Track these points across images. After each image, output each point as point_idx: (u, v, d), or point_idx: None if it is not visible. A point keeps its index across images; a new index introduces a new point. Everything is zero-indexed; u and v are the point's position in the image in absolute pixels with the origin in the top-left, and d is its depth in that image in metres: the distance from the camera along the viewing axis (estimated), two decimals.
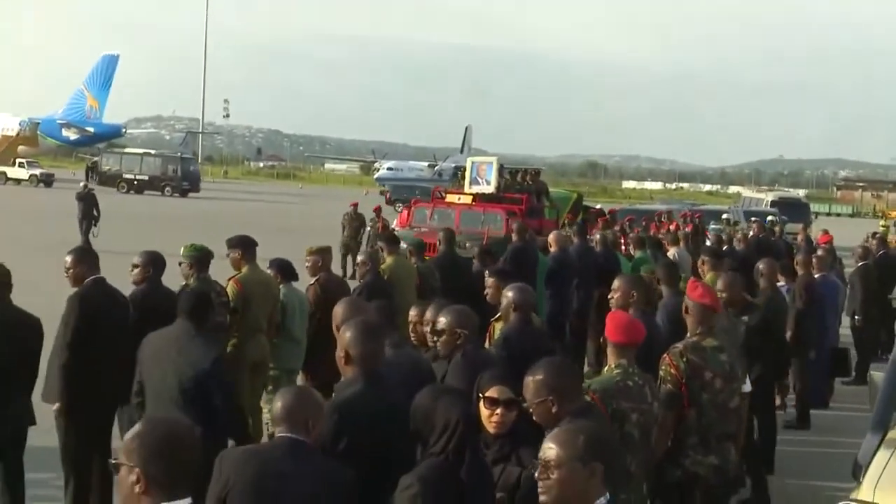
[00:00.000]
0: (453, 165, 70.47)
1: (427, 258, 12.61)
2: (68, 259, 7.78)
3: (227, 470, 4.10)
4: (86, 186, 31.16)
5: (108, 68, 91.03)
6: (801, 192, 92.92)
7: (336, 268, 10.03)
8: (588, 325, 13.92)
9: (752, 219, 25.50)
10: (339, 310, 5.69)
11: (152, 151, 79.77)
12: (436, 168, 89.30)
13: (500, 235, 19.62)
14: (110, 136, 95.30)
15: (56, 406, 7.55)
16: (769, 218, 28.53)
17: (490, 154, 32.50)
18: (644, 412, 5.53)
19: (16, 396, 7.24)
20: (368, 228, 27.65)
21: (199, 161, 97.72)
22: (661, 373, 6.17)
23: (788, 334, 11.54)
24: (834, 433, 12.11)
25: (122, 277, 8.42)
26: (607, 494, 3.52)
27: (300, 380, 9.63)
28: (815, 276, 13.01)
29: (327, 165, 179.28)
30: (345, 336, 5.06)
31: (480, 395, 4.80)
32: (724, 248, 16.75)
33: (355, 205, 28.32)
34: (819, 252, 14.54)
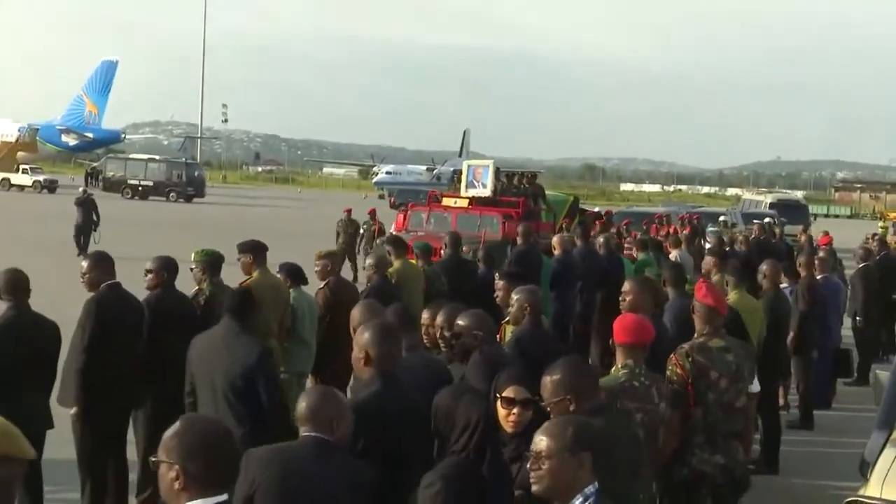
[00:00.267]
0: (452, 169, 70.61)
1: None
2: (84, 264, 7.89)
3: (253, 469, 4.20)
4: (85, 192, 31.16)
5: (106, 74, 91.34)
6: (800, 194, 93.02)
7: None
8: (592, 327, 14.03)
9: (755, 221, 25.59)
10: (356, 312, 5.80)
11: (157, 157, 79.91)
12: (434, 172, 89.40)
13: (496, 239, 19.71)
14: (109, 142, 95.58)
15: (73, 410, 7.65)
16: (766, 220, 28.60)
17: (489, 157, 32.50)
18: (649, 412, 5.63)
19: (31, 399, 7.33)
20: (363, 232, 27.73)
21: None
22: (668, 373, 6.29)
23: (791, 335, 11.65)
24: (837, 433, 12.23)
25: (129, 283, 8.49)
26: (595, 483, 3.71)
27: (310, 383, 9.72)
28: (818, 277, 13.12)
29: (326, 170, 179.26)
30: (363, 337, 5.17)
31: (497, 394, 4.91)
32: (727, 250, 16.83)
33: (349, 211, 28.42)
34: (821, 253, 14.66)
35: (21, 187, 69.13)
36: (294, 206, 67.28)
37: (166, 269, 8.51)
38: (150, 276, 8.47)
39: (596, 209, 35.60)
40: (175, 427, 3.31)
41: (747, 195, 59.24)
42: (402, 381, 5.19)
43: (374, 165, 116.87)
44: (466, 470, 4.33)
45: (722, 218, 34.74)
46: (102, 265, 7.89)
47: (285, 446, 4.31)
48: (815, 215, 58.40)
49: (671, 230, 24.24)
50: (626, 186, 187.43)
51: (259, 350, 6.31)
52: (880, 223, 51.54)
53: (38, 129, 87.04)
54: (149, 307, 8.20)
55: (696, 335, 6.47)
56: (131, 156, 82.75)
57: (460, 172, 24.94)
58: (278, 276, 9.71)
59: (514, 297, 7.24)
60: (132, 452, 8.23)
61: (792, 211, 42.80)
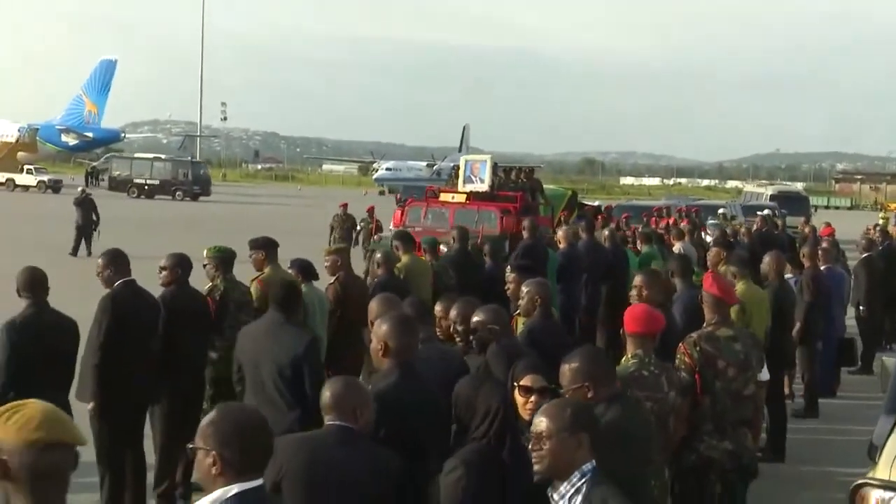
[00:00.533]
0: (452, 165, 70.63)
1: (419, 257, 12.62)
2: (100, 261, 8.00)
3: (281, 456, 4.31)
4: (83, 191, 31.22)
5: (105, 73, 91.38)
6: (800, 186, 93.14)
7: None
8: (597, 320, 14.14)
9: (758, 213, 25.69)
10: (373, 305, 5.91)
11: (162, 156, 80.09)
12: (434, 167, 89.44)
13: (494, 234, 19.75)
14: (109, 141, 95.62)
15: (90, 405, 7.77)
16: (765, 212, 28.70)
17: (488, 153, 32.47)
18: (658, 401, 5.76)
19: (50, 395, 7.42)
20: (360, 228, 27.76)
21: None
22: (677, 361, 6.41)
23: (797, 325, 11.76)
24: (842, 421, 12.35)
25: (139, 281, 8.57)
26: (593, 461, 3.92)
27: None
28: (822, 267, 13.23)
29: (325, 167, 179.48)
30: (381, 329, 5.28)
31: (515, 383, 5.02)
32: (731, 242, 16.95)
33: (344, 206, 28.44)
34: (824, 244, 14.78)
35: (25, 187, 69.27)
36: (296, 204, 67.42)
37: (180, 265, 8.63)
38: (164, 272, 8.59)
39: (596, 203, 35.72)
40: (211, 415, 3.42)
41: (749, 187, 59.39)
42: (421, 372, 5.31)
43: (374, 162, 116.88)
44: (487, 456, 4.45)
45: (721, 210, 34.85)
46: (117, 262, 7.99)
47: (311, 434, 4.43)
48: (816, 207, 58.57)
49: (670, 222, 24.34)
50: (626, 180, 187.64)
51: (307, 340, 6.45)
52: (881, 214, 51.65)
53: (37, 129, 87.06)
54: (164, 303, 8.31)
55: (704, 325, 6.58)
56: (137, 155, 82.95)
57: (458, 168, 24.76)
58: (290, 271, 9.81)
59: (525, 289, 7.36)
60: (149, 447, 8.36)
61: (793, 203, 42.93)
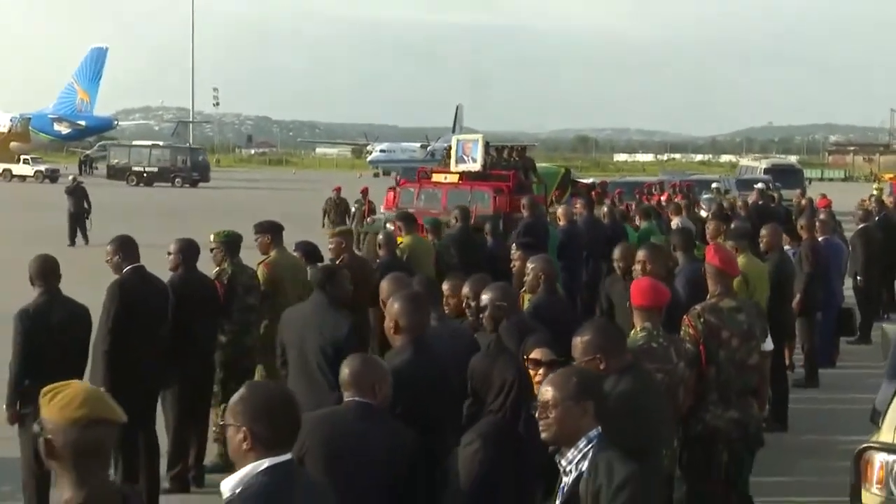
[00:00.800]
0: (445, 145, 70.58)
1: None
2: (109, 248, 8.08)
3: (303, 432, 4.40)
4: (75, 180, 31.25)
5: (97, 61, 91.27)
6: (793, 158, 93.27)
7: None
8: (598, 296, 14.24)
9: (755, 186, 25.80)
10: (384, 285, 6.03)
11: (160, 143, 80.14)
12: (428, 148, 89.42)
13: (488, 213, 19.79)
14: (101, 129, 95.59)
15: (101, 390, 7.86)
16: (758, 185, 28.79)
17: (482, 133, 32.36)
18: (669, 372, 5.90)
19: (65, 379, 7.53)
20: (354, 211, 27.83)
21: None
22: (681, 333, 6.54)
23: (797, 296, 11.89)
24: (842, 390, 12.51)
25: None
26: (598, 428, 4.06)
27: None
28: (819, 239, 13.35)
29: (319, 150, 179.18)
30: (393, 307, 5.39)
31: (525, 357, 5.15)
32: (728, 215, 17.07)
33: (338, 189, 28.49)
34: (821, 216, 14.90)
35: (23, 177, 69.22)
36: (292, 188, 67.42)
37: (187, 250, 8.72)
38: (171, 257, 8.68)
39: (590, 180, 35.80)
40: (240, 393, 3.53)
41: (745, 161, 59.49)
42: (434, 348, 5.43)
43: (368, 144, 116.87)
44: (503, 428, 4.58)
45: (715, 185, 34.95)
46: (125, 249, 8.07)
47: (332, 410, 4.54)
48: (810, 179, 58.67)
49: (663, 198, 24.47)
50: (620, 157, 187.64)
51: (349, 323, 6.51)
52: (875, 185, 51.76)
53: (30, 119, 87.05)
54: (172, 289, 8.40)
55: (708, 296, 6.71)
56: (135, 142, 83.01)
57: (450, 148, 24.68)
58: (295, 254, 9.91)
59: (530, 265, 7.48)
60: (161, 431, 8.48)
61: (787, 176, 43.00)
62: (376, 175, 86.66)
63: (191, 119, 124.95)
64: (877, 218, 17.34)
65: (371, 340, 9.70)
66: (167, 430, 8.68)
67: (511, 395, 4.59)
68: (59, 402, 3.04)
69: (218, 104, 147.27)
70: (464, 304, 6.47)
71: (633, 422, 4.79)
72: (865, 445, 6.15)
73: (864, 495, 6.14)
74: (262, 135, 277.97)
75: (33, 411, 7.29)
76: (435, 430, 5.07)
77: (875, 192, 37.57)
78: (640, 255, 8.07)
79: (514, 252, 8.38)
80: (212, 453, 9.04)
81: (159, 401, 8.52)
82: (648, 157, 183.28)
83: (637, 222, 15.74)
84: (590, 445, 4.04)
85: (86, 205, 29.20)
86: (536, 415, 4.09)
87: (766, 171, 45.25)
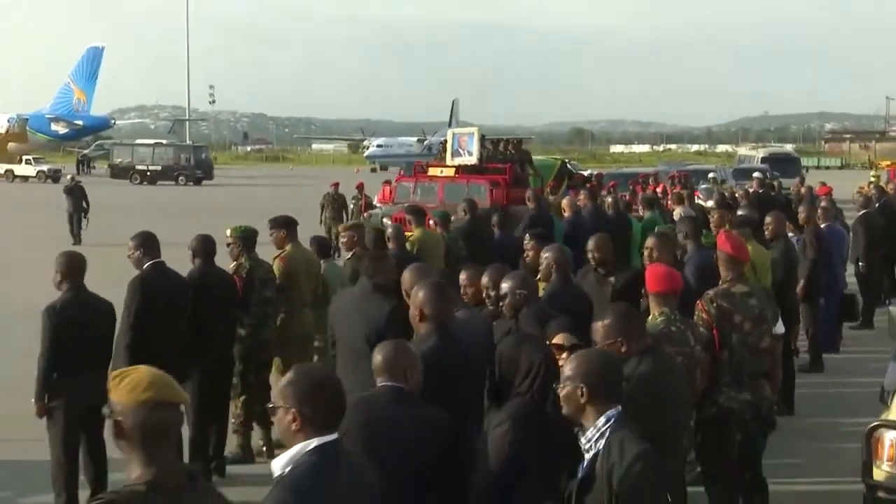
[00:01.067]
0: (442, 139, 70.53)
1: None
2: (131, 243, 8.26)
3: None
4: (73, 179, 31.36)
5: (93, 61, 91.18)
6: (790, 147, 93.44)
7: None
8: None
9: (754, 175, 26.00)
10: (407, 275, 6.19)
11: (163, 141, 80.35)
12: (425, 143, 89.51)
13: (485, 207, 19.86)
14: (99, 129, 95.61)
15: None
16: (755, 174, 28.95)
17: (478, 126, 32.33)
18: (687, 355, 6.10)
19: (91, 375, 7.71)
20: (351, 206, 27.94)
21: None
22: (695, 318, 6.73)
23: (801, 283, 12.07)
24: (846, 374, 12.70)
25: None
26: (618, 407, 4.26)
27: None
28: (822, 225, 13.53)
29: (315, 146, 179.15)
30: (417, 296, 5.56)
31: (548, 342, 5.33)
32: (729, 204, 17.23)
33: (336, 185, 28.62)
34: (823, 203, 15.08)
35: (25, 178, 69.30)
36: (292, 184, 67.49)
37: (203, 245, 8.88)
38: (190, 252, 8.86)
39: (587, 172, 35.95)
40: (289, 376, 3.71)
41: (743, 150, 59.70)
42: (457, 334, 5.60)
43: (364, 139, 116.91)
44: (531, 410, 4.76)
45: (712, 175, 35.11)
46: (146, 245, 8.26)
47: (367, 395, 4.71)
48: (807, 167, 58.80)
49: (658, 189, 24.62)
50: (616, 148, 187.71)
51: (388, 309, 6.64)
52: (872, 172, 51.96)
53: (27, 119, 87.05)
54: (192, 283, 8.58)
55: (720, 282, 6.89)
56: (138, 141, 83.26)
57: (446, 142, 24.70)
58: (309, 249, 10.09)
59: (544, 255, 7.66)
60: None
61: (784, 164, 43.20)
62: (373, 170, 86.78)
63: (187, 117, 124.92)
64: (877, 204, 17.52)
65: None
66: (187, 423, 8.83)
67: (538, 378, 4.77)
68: (126, 386, 3.20)
69: (214, 101, 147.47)
70: (483, 294, 6.64)
71: (654, 402, 4.97)
72: (876, 423, 6.35)
73: (875, 471, 6.34)
74: (257, 132, 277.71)
75: (60, 404, 7.51)
76: (459, 415, 5.25)
77: (873, 180, 37.79)
78: (649, 242, 8.25)
79: (528, 242, 8.55)
80: (231, 444, 9.22)
81: None
82: (644, 148, 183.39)
83: (640, 212, 15.91)
84: (608, 424, 4.22)
85: (84, 204, 29.28)
86: (559, 391, 4.30)
87: (764, 160, 45.44)
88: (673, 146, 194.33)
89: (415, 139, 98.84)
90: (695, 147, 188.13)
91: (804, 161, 60.65)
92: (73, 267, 7.57)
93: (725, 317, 6.69)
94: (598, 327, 5.11)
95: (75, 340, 7.49)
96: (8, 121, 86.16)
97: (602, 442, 4.20)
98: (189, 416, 8.91)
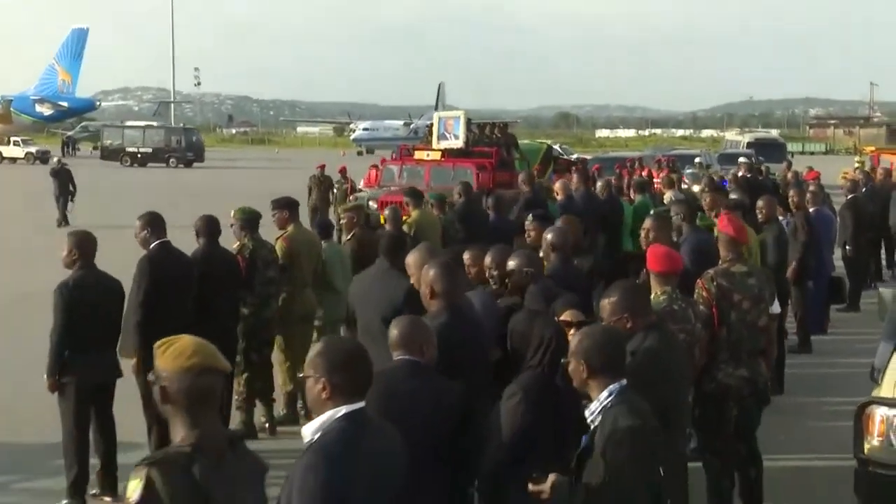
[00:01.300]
0: (428, 123, 70.46)
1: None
2: (137, 224, 8.41)
3: None
4: (59, 161, 31.35)
5: (78, 42, 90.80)
6: (775, 132, 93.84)
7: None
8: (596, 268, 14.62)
9: (740, 160, 26.26)
10: (416, 255, 6.36)
11: (154, 124, 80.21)
12: (411, 126, 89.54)
13: (486, 190, 19.96)
14: (84, 110, 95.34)
15: (133, 361, 8.21)
16: (741, 159, 29.16)
17: (464, 109, 32.30)
18: (689, 332, 6.31)
19: (101, 352, 7.89)
20: (335, 189, 28.05)
21: None
22: (695, 296, 6.94)
23: (793, 265, 12.30)
24: (833, 356, 12.96)
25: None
26: (623, 381, 4.47)
27: (343, 331, 10.28)
28: (810, 210, 13.76)
29: (300, 129, 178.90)
30: (428, 275, 5.74)
31: (556, 318, 5.52)
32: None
33: (322, 167, 28.69)
34: (811, 187, 15.31)
35: (13, 160, 69.09)
36: (280, 167, 67.46)
37: (207, 225, 9.04)
38: (195, 232, 9.02)
39: (574, 156, 36.18)
40: (318, 347, 3.89)
41: (730, 135, 59.97)
42: (466, 312, 5.79)
43: (350, 123, 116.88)
44: (542, 382, 4.95)
45: (697, 160, 35.33)
46: (153, 225, 8.41)
47: (385, 369, 4.88)
48: (792, 153, 59.15)
49: (644, 173, 24.81)
50: (602, 133, 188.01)
51: (406, 287, 6.82)
52: (857, 158, 52.32)
53: (11, 101, 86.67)
54: (196, 263, 8.74)
55: (720, 262, 7.11)
56: (128, 123, 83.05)
57: (432, 125, 24.60)
58: (311, 230, 10.25)
59: (546, 236, 7.84)
60: None
61: (770, 149, 43.40)
62: (360, 153, 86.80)
63: (172, 99, 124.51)
64: (863, 189, 17.78)
65: None
66: None
67: (548, 352, 4.95)
68: (172, 353, 3.38)
69: (199, 84, 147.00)
70: (487, 273, 6.82)
71: (658, 377, 5.17)
72: (867, 400, 6.56)
73: (867, 447, 6.56)
74: (242, 114, 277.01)
75: (72, 380, 7.68)
76: (469, 389, 5.44)
77: (858, 165, 38.09)
78: (647, 224, 8.44)
79: (530, 223, 8.73)
80: (234, 421, 9.39)
81: None
82: (630, 133, 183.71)
83: (632, 196, 16.10)
84: (610, 398, 4.43)
85: (71, 187, 29.26)
86: (567, 365, 4.53)
87: (749, 145, 45.67)
88: (658, 131, 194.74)
89: (401, 122, 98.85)
90: (680, 132, 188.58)
91: (789, 146, 60.98)
92: (84, 246, 7.72)
93: (725, 295, 6.90)
94: (605, 304, 5.31)
95: (86, 318, 7.65)
96: None
97: (601, 416, 4.41)
98: None
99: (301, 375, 3.90)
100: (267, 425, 9.58)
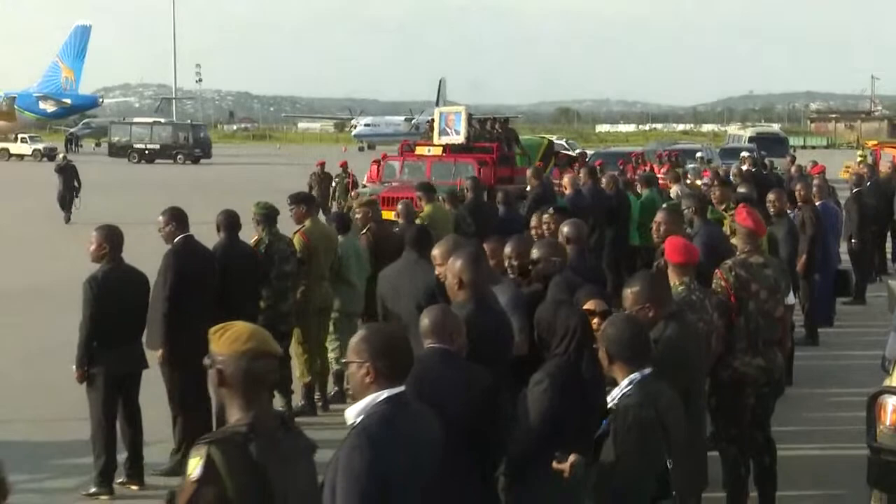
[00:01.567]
0: (429, 118, 70.45)
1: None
2: (161, 219, 8.59)
3: None
4: (65, 158, 31.42)
5: (81, 39, 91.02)
6: (776, 126, 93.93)
7: None
8: (603, 262, 14.79)
9: (743, 154, 26.41)
10: (443, 246, 6.52)
11: (162, 120, 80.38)
12: (413, 121, 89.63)
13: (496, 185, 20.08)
14: (86, 107, 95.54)
15: (159, 352, 8.39)
16: (743, 154, 29.25)
17: (465, 105, 32.42)
18: (707, 321, 6.48)
19: (127, 344, 8.06)
20: (335, 184, 28.20)
21: None
22: (713, 285, 7.11)
23: (802, 258, 12.46)
24: (840, 348, 13.14)
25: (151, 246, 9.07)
26: (644, 371, 4.68)
27: (359, 323, 10.46)
28: (817, 203, 13.92)
29: (301, 125, 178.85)
30: (455, 265, 5.89)
31: (580, 307, 5.69)
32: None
33: (322, 164, 28.82)
34: (817, 181, 15.46)
35: (21, 157, 69.22)
36: (284, 162, 67.48)
37: (228, 220, 9.22)
38: (216, 226, 9.20)
39: (578, 151, 36.28)
40: (361, 334, 4.06)
41: (732, 130, 60.12)
42: (492, 302, 5.95)
43: (351, 118, 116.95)
44: (568, 369, 5.11)
45: (699, 154, 35.47)
46: (178, 219, 8.59)
47: (417, 356, 5.05)
48: (794, 147, 59.30)
49: (647, 168, 24.95)
50: (602, 128, 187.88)
51: (436, 275, 6.94)
52: (859, 152, 52.47)
53: (14, 98, 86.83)
54: (217, 257, 8.91)
55: (738, 253, 7.29)
56: (136, 120, 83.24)
57: (433, 121, 24.77)
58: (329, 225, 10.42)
59: (563, 229, 8.01)
60: None
61: (772, 144, 43.58)
62: (361, 149, 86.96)
63: (174, 95, 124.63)
64: (868, 183, 17.94)
65: None
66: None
67: (574, 341, 5.12)
68: (229, 338, 3.54)
69: (201, 80, 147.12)
70: (506, 264, 6.99)
71: (679, 364, 5.35)
72: (879, 389, 6.74)
73: (879, 435, 6.73)
74: (242, 110, 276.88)
75: (100, 371, 7.86)
76: (496, 375, 5.60)
77: (861, 159, 38.21)
78: (659, 217, 8.61)
79: (548, 217, 8.91)
80: None
81: None
82: (631, 128, 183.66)
83: (639, 190, 16.27)
84: (630, 387, 4.61)
85: (76, 183, 29.33)
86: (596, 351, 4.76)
87: (751, 139, 45.82)
88: (658, 125, 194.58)
89: (402, 118, 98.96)
90: (680, 126, 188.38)
91: (791, 140, 61.15)
92: (113, 240, 7.90)
93: (743, 285, 7.07)
94: (628, 294, 5.48)
95: (115, 311, 7.84)
96: None
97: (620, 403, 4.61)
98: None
99: (344, 361, 4.07)
100: None
